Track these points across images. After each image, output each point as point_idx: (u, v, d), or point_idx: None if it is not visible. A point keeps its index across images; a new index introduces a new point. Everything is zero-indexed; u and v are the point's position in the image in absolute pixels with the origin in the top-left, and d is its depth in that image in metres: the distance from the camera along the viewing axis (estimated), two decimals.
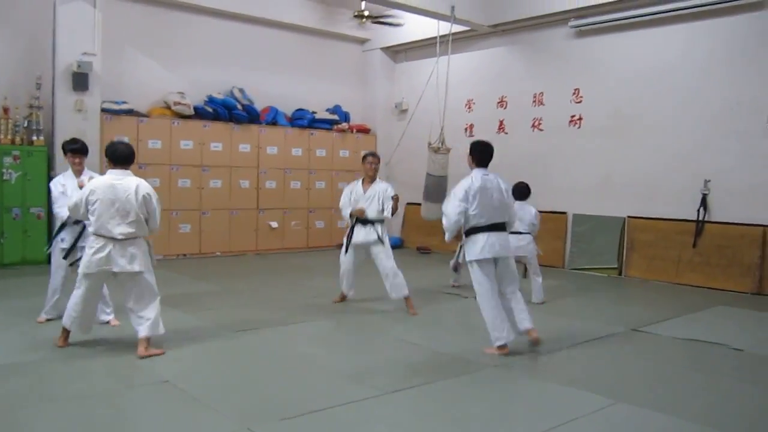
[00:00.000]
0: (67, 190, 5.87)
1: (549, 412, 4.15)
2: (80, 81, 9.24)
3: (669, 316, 6.99)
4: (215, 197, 10.87)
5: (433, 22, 10.90)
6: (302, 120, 12.07)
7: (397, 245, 12.73)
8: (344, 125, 12.66)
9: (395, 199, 6.85)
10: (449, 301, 7.67)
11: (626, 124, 9.82)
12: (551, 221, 10.17)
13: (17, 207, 9.12)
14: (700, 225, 8.99)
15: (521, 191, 7.58)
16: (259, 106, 11.61)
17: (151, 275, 5.17)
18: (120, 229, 4.94)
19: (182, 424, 3.82)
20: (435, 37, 10.84)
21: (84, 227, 5.69)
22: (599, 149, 10.13)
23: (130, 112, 10.07)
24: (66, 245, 5.86)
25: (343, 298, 7.27)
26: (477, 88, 11.92)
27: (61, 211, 5.74)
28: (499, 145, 11.17)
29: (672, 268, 9.26)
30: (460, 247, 7.41)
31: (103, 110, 9.72)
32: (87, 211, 4.98)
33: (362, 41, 13.42)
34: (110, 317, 5.97)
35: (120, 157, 5.09)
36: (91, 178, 5.70)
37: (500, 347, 5.34)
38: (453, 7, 10.28)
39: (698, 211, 8.98)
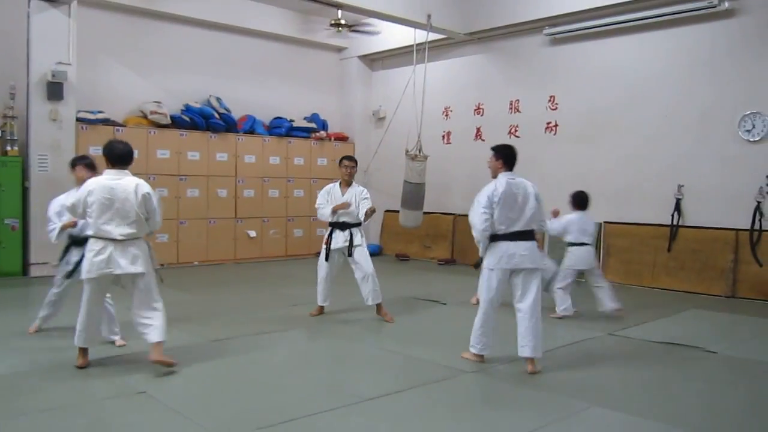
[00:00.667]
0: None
1: (525, 416, 4.18)
2: (55, 90, 9.17)
3: (645, 320, 7.07)
4: (193, 206, 10.82)
5: (410, 30, 11.00)
6: (280, 128, 12.06)
7: (375, 252, 12.74)
8: (322, 133, 12.67)
9: (370, 210, 6.76)
10: (426, 309, 7.70)
11: (601, 130, 9.94)
12: None
13: None
14: (674, 229, 9.12)
15: (582, 200, 7.36)
16: (236, 114, 11.59)
17: (153, 278, 4.98)
18: (120, 230, 4.76)
19: None
20: (412, 45, 10.95)
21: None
22: (575, 156, 10.24)
23: (106, 122, 10.00)
24: (71, 267, 5.65)
25: (320, 311, 7.08)
26: (454, 95, 12.00)
27: (53, 234, 5.61)
28: (477, 152, 11.36)
29: (648, 272, 9.37)
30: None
31: (79, 120, 9.64)
32: (85, 212, 4.82)
33: (339, 49, 13.46)
34: (116, 337, 5.62)
35: (118, 156, 4.91)
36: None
37: (476, 355, 5.33)
38: (429, 16, 10.39)
39: (672, 215, 9.10)
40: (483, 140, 11.49)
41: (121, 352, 5.42)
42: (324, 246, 6.97)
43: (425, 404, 4.39)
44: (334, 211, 6.84)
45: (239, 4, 11.56)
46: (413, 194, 10.54)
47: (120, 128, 10.11)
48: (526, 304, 5.15)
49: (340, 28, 11.71)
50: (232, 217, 11.33)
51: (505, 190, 5.15)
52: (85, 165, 5.78)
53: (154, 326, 4.89)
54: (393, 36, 12.18)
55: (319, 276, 7.03)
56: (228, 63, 11.78)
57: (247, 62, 12.05)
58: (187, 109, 10.96)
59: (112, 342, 5.58)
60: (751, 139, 8.49)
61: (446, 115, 12.17)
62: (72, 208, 4.92)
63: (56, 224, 5.60)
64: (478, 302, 5.93)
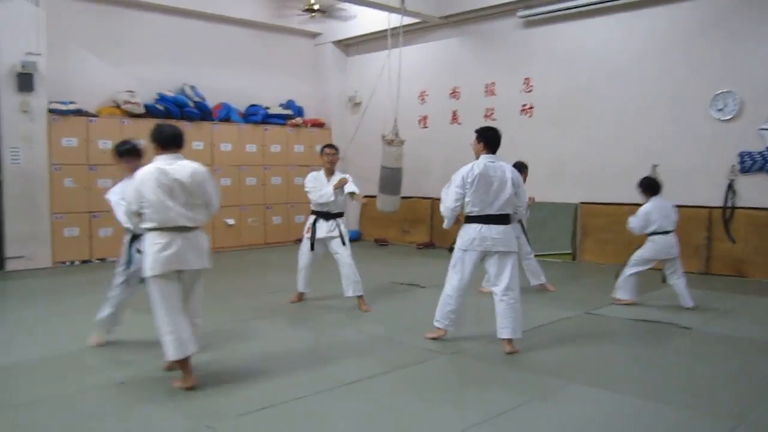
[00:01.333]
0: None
1: (503, 396, 4.25)
2: (25, 82, 9.03)
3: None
4: None
5: (384, 14, 10.94)
6: (256, 116, 11.99)
7: (354, 238, 12.75)
8: (298, 120, 12.62)
9: (341, 182, 6.71)
10: (406, 292, 7.74)
11: (575, 111, 10.01)
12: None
13: None
14: None
15: (655, 185, 6.96)
16: (211, 102, 11.49)
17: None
18: (185, 219, 4.34)
19: (140, 424, 3.80)
20: (386, 30, 10.89)
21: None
22: (550, 137, 10.31)
23: (78, 113, 9.86)
24: (134, 267, 5.13)
25: (300, 297, 7.08)
26: (429, 79, 12.00)
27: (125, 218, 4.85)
28: (453, 135, 11.39)
29: (624, 251, 9.38)
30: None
31: (50, 111, 9.50)
32: (141, 205, 4.29)
33: (313, 35, 13.38)
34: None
35: (168, 138, 4.50)
36: None
37: (438, 329, 5.45)
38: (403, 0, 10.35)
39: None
40: (459, 124, 11.52)
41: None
42: (306, 235, 6.89)
43: (405, 386, 4.44)
44: (335, 189, 6.69)
45: None
46: (390, 179, 10.56)
47: (93, 119, 9.99)
48: (501, 287, 5.20)
49: (313, 14, 11.65)
50: None
51: (482, 172, 5.16)
52: (129, 152, 5.29)
53: (197, 339, 4.48)
54: (367, 21, 12.12)
55: (300, 263, 6.98)
56: (201, 51, 11.66)
57: (220, 50, 11.93)
58: (161, 98, 10.84)
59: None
60: (723, 118, 8.61)
61: (422, 100, 12.17)
62: (128, 208, 4.39)
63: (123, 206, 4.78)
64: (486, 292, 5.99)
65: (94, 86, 10.36)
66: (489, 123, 11.02)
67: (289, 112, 12.54)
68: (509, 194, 5.23)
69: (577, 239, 10.03)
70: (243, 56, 12.27)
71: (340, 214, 6.88)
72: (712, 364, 4.98)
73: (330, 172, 6.92)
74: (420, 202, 11.98)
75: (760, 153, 8.34)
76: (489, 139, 5.37)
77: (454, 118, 11.64)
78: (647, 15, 9.27)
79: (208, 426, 3.73)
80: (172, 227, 4.30)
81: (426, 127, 12.12)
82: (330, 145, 7.15)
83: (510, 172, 5.28)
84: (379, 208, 10.89)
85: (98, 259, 9.95)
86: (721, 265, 8.66)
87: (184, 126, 10.85)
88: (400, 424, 3.79)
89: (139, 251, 4.92)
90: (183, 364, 4.32)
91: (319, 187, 6.78)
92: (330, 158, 6.92)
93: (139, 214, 4.34)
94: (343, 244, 6.77)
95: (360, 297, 6.77)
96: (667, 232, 6.77)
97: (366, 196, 12.51)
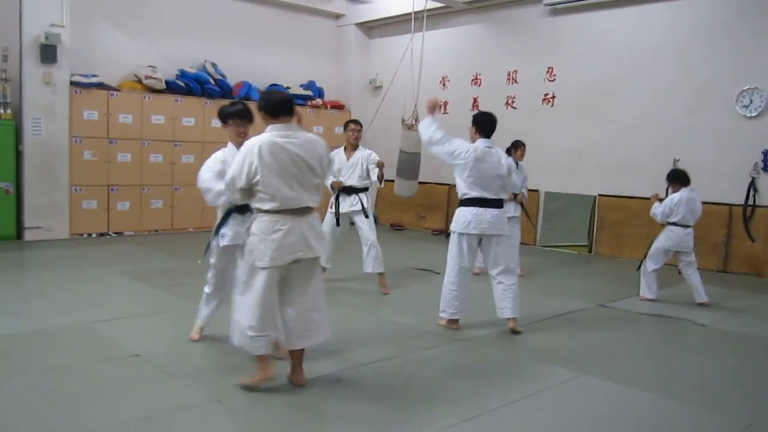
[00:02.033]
0: (227, 169, 4.22)
1: (517, 384, 4.24)
2: (48, 53, 9.07)
3: (636, 293, 7.11)
4: (187, 172, 10.73)
5: None
6: None
7: None
8: (318, 101, 12.59)
9: (380, 165, 6.75)
10: (420, 278, 7.74)
11: (598, 103, 9.90)
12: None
13: None
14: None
15: (686, 176, 6.85)
16: (232, 81, 11.48)
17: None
18: (307, 201, 3.86)
19: (152, 396, 3.83)
20: (410, 13, 10.78)
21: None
22: (571, 128, 10.21)
23: (100, 86, 9.89)
24: (228, 241, 4.57)
25: (322, 271, 7.07)
26: (451, 65, 11.91)
27: (217, 201, 4.45)
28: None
29: (640, 245, 9.36)
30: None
31: (72, 83, 9.54)
32: (252, 183, 3.76)
33: (337, 16, 13.31)
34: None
35: (280, 105, 3.88)
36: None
37: (449, 321, 5.44)
38: None
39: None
40: (480, 110, 11.41)
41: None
42: (330, 210, 6.85)
43: (417, 371, 4.44)
44: (332, 188, 6.73)
45: None
46: (408, 164, 10.46)
47: (114, 92, 10.02)
48: (497, 270, 5.35)
49: None
50: None
51: (478, 155, 5.25)
52: (240, 114, 4.60)
53: (321, 328, 4.05)
54: (391, 3, 12.04)
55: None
56: (224, 29, 11.64)
57: (243, 28, 11.90)
58: (183, 74, 10.86)
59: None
60: (748, 115, 8.48)
61: (443, 85, 12.10)
62: (231, 183, 3.85)
63: (216, 187, 4.36)
64: (479, 272, 6.00)
65: (117, 60, 10.39)
66: (509, 111, 10.97)
67: (309, 93, 12.51)
68: (504, 179, 5.37)
69: (594, 231, 9.95)
70: (265, 35, 12.23)
71: (363, 189, 6.86)
72: (726, 362, 4.94)
73: (353, 147, 6.93)
74: (437, 188, 11.94)
75: None
76: (484, 124, 5.46)
77: (475, 104, 11.56)
78: (675, 6, 9.12)
79: (218, 401, 3.75)
80: (295, 208, 3.81)
81: (446, 113, 12.04)
82: (355, 121, 7.14)
83: (505, 159, 5.40)
84: (396, 192, 10.80)
85: (115, 233, 10.02)
86: (740, 263, 8.57)
87: (205, 103, 10.94)
88: (406, 409, 3.80)
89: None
90: (260, 357, 3.93)
91: (336, 163, 6.77)
92: (354, 134, 6.93)
93: (246, 191, 3.83)
94: (366, 217, 6.76)
95: (381, 274, 6.77)
96: (687, 226, 6.70)
97: (385, 180, 12.48)
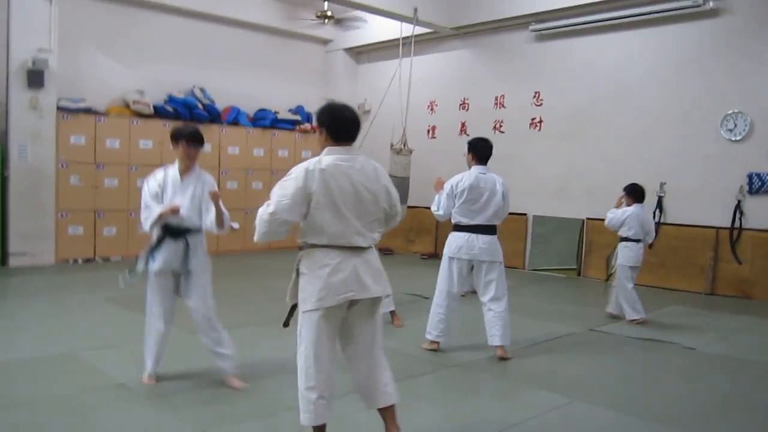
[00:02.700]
0: (165, 192, 4.41)
1: (507, 411, 4.21)
2: (35, 78, 9.04)
3: (625, 317, 7.11)
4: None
5: (396, 23, 10.95)
6: (264, 120, 12.00)
7: None
8: (307, 126, 12.61)
9: None
10: (409, 303, 7.70)
11: (585, 127, 9.97)
12: (512, 222, 10.26)
13: None
14: (655, 227, 9.16)
15: (641, 192, 7.05)
16: (220, 105, 11.50)
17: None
18: (360, 238, 3.29)
19: (138, 427, 3.77)
20: (398, 39, 10.89)
21: (188, 246, 4.42)
22: (559, 151, 10.27)
23: (87, 111, 9.86)
24: (158, 267, 4.37)
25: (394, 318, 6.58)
26: (439, 90, 11.99)
27: (145, 224, 4.37)
28: (461, 147, 11.29)
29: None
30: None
31: (60, 108, 9.50)
32: (308, 214, 3.23)
33: (325, 42, 13.40)
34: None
35: (347, 127, 3.36)
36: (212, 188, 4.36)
37: (432, 342, 5.47)
38: (416, 9, 10.34)
39: (654, 213, 9.16)
40: (468, 135, 11.48)
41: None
42: None
43: (406, 398, 4.39)
44: None
45: None
46: (398, 188, 10.45)
47: (102, 117, 10.00)
48: (488, 296, 5.35)
49: (326, 20, 11.66)
50: None
51: (472, 183, 5.28)
52: (192, 137, 4.51)
53: (393, 386, 3.46)
54: (379, 29, 12.14)
55: None
56: (212, 53, 11.68)
57: (231, 53, 11.96)
58: (171, 99, 10.86)
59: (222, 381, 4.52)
60: (733, 139, 8.57)
61: (431, 110, 12.16)
62: (278, 215, 3.24)
63: (154, 210, 4.35)
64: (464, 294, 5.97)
65: (104, 85, 10.38)
66: (497, 135, 11.02)
67: (297, 117, 12.54)
68: (498, 206, 5.34)
69: (582, 255, 9.97)
70: (254, 60, 12.29)
71: None
72: (715, 386, 4.93)
73: None
74: (426, 213, 11.92)
75: None
76: (479, 150, 5.49)
77: (463, 129, 11.63)
78: (659, 33, 9.25)
79: (204, 431, 3.69)
80: (344, 246, 3.28)
81: (434, 138, 12.11)
82: None
83: (500, 185, 5.38)
84: None
85: (102, 258, 9.93)
86: (727, 285, 8.60)
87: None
88: None
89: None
90: (317, 428, 3.33)
91: None
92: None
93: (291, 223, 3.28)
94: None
95: (392, 312, 6.48)
96: (639, 241, 6.89)
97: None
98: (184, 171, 4.48)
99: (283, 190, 3.23)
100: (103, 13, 10.44)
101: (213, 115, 11.24)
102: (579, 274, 9.94)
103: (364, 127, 13.23)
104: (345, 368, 3.46)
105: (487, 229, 5.33)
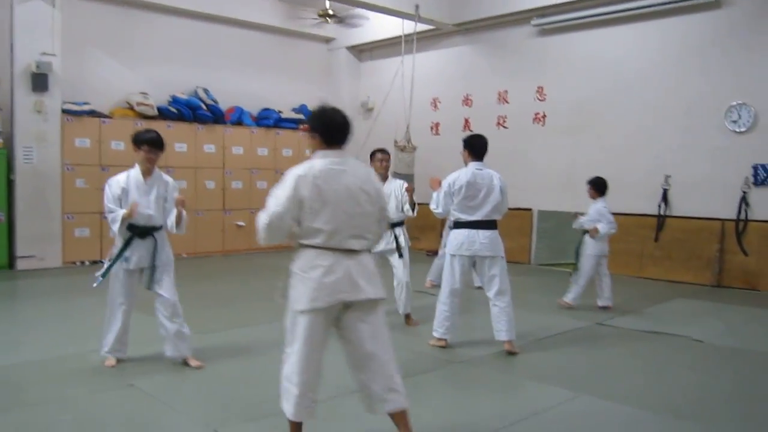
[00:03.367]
0: (129, 194, 4.76)
1: (515, 405, 4.22)
2: (39, 82, 9.08)
3: (632, 310, 7.12)
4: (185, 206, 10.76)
5: (398, 21, 10.97)
6: (268, 120, 12.02)
7: None
8: None
9: (409, 191, 6.27)
10: (415, 299, 7.70)
11: (589, 121, 9.96)
12: (517, 218, 10.27)
13: None
14: (661, 219, 9.18)
15: (606, 185, 7.36)
16: (223, 106, 11.53)
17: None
18: (354, 241, 3.31)
19: (148, 427, 3.79)
20: (400, 36, 10.92)
21: (156, 243, 4.82)
22: (563, 146, 10.26)
23: (91, 113, 9.91)
24: (132, 266, 4.78)
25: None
26: (442, 86, 11.99)
27: (113, 226, 4.71)
28: None
29: (635, 262, 9.43)
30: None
31: (64, 111, 9.55)
32: (302, 216, 3.26)
33: (327, 40, 13.41)
34: (189, 354, 4.91)
35: (339, 131, 3.39)
36: (174, 188, 4.87)
37: (439, 339, 5.49)
38: (417, 6, 10.36)
39: (659, 205, 9.16)
40: (471, 131, 11.48)
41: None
42: None
43: (413, 395, 4.40)
44: None
45: None
46: None
47: (106, 120, 10.04)
48: (493, 291, 5.37)
49: (328, 19, 11.67)
50: (220, 209, 11.29)
51: (469, 180, 5.29)
52: (152, 142, 4.88)
53: (399, 392, 3.40)
54: (381, 27, 12.14)
55: None
56: (215, 54, 11.71)
57: (234, 53, 11.98)
58: (174, 100, 10.89)
59: (185, 362, 4.89)
60: (737, 130, 8.55)
61: (435, 106, 12.16)
62: (279, 218, 3.28)
63: (118, 211, 4.69)
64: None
65: (108, 87, 10.43)
66: (501, 131, 11.02)
67: (301, 116, 12.55)
68: (497, 201, 5.35)
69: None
70: (256, 60, 12.31)
71: (399, 224, 6.41)
72: (723, 377, 4.93)
73: (383, 178, 6.30)
74: (430, 210, 11.93)
75: None
76: (474, 147, 5.49)
77: (467, 125, 11.63)
78: (662, 25, 9.23)
79: (216, 431, 3.71)
80: (337, 248, 3.30)
81: (438, 134, 12.11)
82: (382, 150, 6.47)
83: (498, 180, 5.39)
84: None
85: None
86: (733, 277, 8.59)
87: (197, 128, 10.95)
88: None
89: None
90: (294, 426, 3.39)
91: None
92: (383, 164, 6.34)
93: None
94: (400, 256, 6.27)
95: (407, 315, 6.42)
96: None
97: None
98: (146, 173, 4.90)
99: (276, 198, 3.29)
100: (105, 15, 10.48)
101: (217, 116, 11.27)
102: None
103: (368, 124, 13.41)
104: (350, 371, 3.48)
105: (487, 225, 5.33)
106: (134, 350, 5.18)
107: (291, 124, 12.33)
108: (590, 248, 7.19)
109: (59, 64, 9.28)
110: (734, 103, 8.55)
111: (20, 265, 9.10)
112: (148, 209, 4.79)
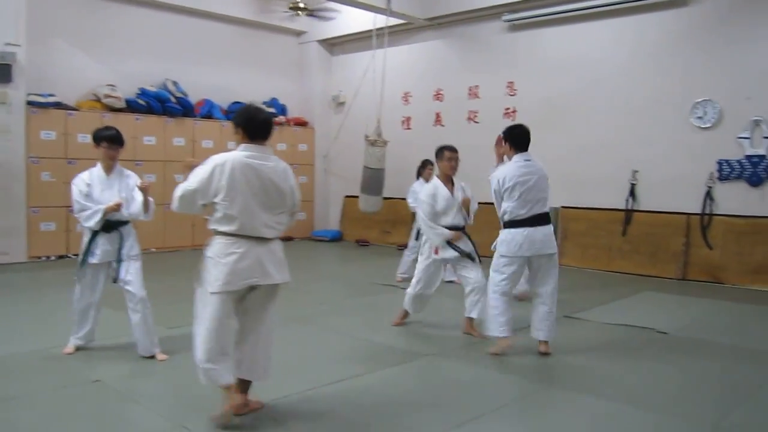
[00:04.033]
0: (93, 190, 4.86)
1: (481, 398, 4.25)
2: (3, 72, 8.90)
3: (600, 303, 7.22)
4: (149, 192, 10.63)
5: (370, 14, 10.97)
6: None
7: (336, 238, 12.76)
8: (281, 118, 12.56)
9: (465, 202, 5.74)
10: (386, 293, 7.72)
11: (558, 116, 10.04)
12: (488, 213, 10.29)
13: None
14: (629, 214, 9.31)
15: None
16: (193, 99, 11.41)
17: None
18: (267, 229, 3.64)
19: (115, 424, 3.75)
20: (371, 30, 10.90)
21: (122, 236, 4.89)
22: (533, 141, 10.23)
23: (57, 105, 9.73)
24: (97, 260, 4.84)
25: (405, 315, 6.08)
26: (413, 81, 11.99)
27: (88, 222, 4.79)
28: (436, 137, 11.36)
29: (604, 256, 9.55)
30: None
31: (29, 103, 9.37)
32: (213, 200, 3.60)
33: (298, 33, 13.34)
34: (157, 350, 4.94)
35: (260, 127, 3.71)
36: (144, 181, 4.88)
37: (500, 338, 5.09)
38: (389, 0, 10.34)
39: (627, 200, 9.29)
40: (443, 125, 11.53)
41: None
42: (435, 256, 5.70)
43: (384, 388, 4.42)
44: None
45: None
46: (373, 179, 10.55)
47: (72, 112, 9.87)
48: (546, 290, 5.10)
49: (299, 12, 11.61)
50: None
51: (518, 175, 5.00)
52: (113, 139, 4.95)
53: (266, 367, 3.84)
54: (353, 20, 12.11)
55: (419, 286, 5.82)
56: (185, 46, 11.57)
57: (204, 46, 11.85)
58: (143, 92, 10.75)
59: (152, 356, 4.91)
60: (703, 126, 8.70)
61: (406, 101, 12.17)
62: (190, 196, 3.65)
63: (95, 207, 4.78)
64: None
65: (75, 79, 10.25)
66: (471, 126, 11.07)
67: (272, 110, 12.47)
68: (546, 192, 5.11)
69: (558, 243, 10.05)
70: (227, 53, 12.20)
71: (463, 228, 5.86)
72: (689, 369, 5.02)
73: (450, 181, 5.78)
74: (402, 204, 11.88)
75: (738, 161, 8.43)
76: (517, 137, 5.22)
77: (438, 119, 11.65)
78: (630, 22, 9.35)
79: (182, 426, 3.68)
80: (250, 236, 3.60)
81: (409, 129, 12.12)
82: (450, 147, 5.85)
83: (545, 171, 5.18)
84: (361, 208, 10.88)
85: (75, 255, 9.79)
86: (699, 271, 8.74)
87: (166, 121, 10.83)
88: (379, 424, 3.78)
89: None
90: (225, 387, 3.69)
91: (435, 212, 5.66)
92: (452, 163, 5.74)
93: (205, 206, 3.66)
94: (472, 260, 5.72)
95: (472, 319, 5.75)
96: None
97: (347, 196, 12.55)
98: (108, 170, 4.96)
99: (194, 176, 3.64)
100: (72, 5, 10.29)
101: (186, 109, 11.15)
102: None
103: (339, 118, 13.35)
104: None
105: (544, 219, 5.06)
106: (101, 345, 5.13)
107: None
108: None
109: (24, 54, 9.11)
110: (699, 99, 8.69)
111: None
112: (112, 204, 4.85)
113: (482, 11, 10.71)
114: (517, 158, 5.13)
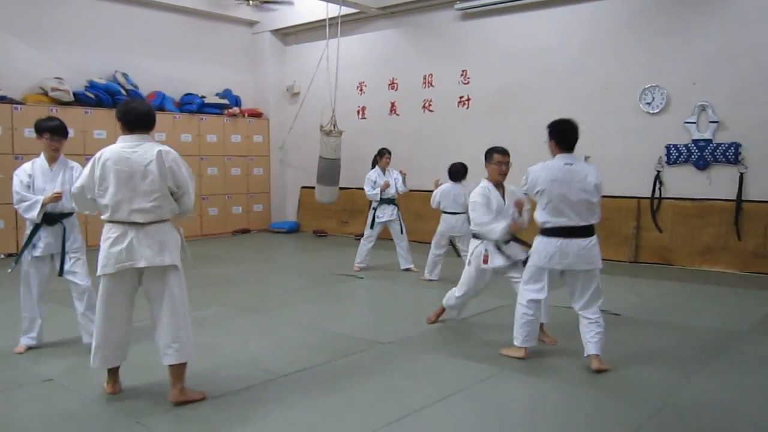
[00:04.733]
0: (35, 181, 4.85)
1: (442, 383, 4.31)
2: None
3: (554, 287, 7.32)
4: None
5: (323, 4, 10.90)
6: (191, 105, 11.76)
7: (293, 229, 12.71)
8: (235, 110, 12.43)
9: (518, 204, 5.12)
10: (343, 283, 7.74)
11: (511, 103, 10.16)
12: None
13: None
14: None
15: (453, 173, 7.74)
16: (144, 91, 11.20)
17: (182, 276, 3.96)
18: (138, 215, 3.76)
19: (68, 422, 3.69)
20: (324, 20, 10.84)
21: (65, 229, 4.89)
22: (487, 129, 10.42)
23: (2, 99, 9.46)
24: (40, 252, 4.83)
25: (440, 312, 5.88)
26: (368, 70, 11.97)
27: (28, 213, 4.78)
28: (391, 126, 11.44)
29: None
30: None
31: None
32: (96, 194, 3.80)
33: (251, 23, 13.19)
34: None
35: (137, 118, 3.89)
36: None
37: (516, 348, 4.77)
38: None
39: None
40: (398, 115, 11.56)
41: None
42: (484, 266, 5.30)
43: (344, 377, 4.44)
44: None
45: None
46: (329, 170, 10.55)
47: (18, 106, 9.61)
48: (580, 303, 4.63)
49: (250, 2, 11.48)
50: None
51: (555, 178, 4.45)
52: (54, 130, 4.90)
53: (176, 344, 3.87)
54: (306, 10, 12.02)
55: (467, 289, 5.45)
56: (135, 37, 11.34)
57: (155, 37, 11.63)
58: (92, 85, 10.52)
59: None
60: (651, 111, 8.90)
61: (361, 90, 12.15)
62: (80, 194, 3.86)
63: (34, 198, 4.79)
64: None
65: (20, 72, 9.96)
66: (427, 114, 11.11)
67: (225, 101, 12.35)
68: (591, 201, 4.50)
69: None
70: (178, 44, 12.00)
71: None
72: (639, 348, 5.15)
73: (500, 185, 5.36)
74: (358, 193, 11.94)
75: (685, 145, 8.65)
76: (563, 134, 4.61)
77: (393, 109, 11.67)
78: (578, 9, 9.49)
79: (137, 422, 3.65)
80: (124, 221, 3.78)
81: (364, 118, 12.11)
82: (500, 150, 5.42)
83: (594, 176, 4.53)
84: (317, 199, 10.87)
85: None
86: (649, 253, 8.97)
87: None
88: (336, 413, 3.80)
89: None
90: (111, 371, 4.02)
91: (492, 216, 5.21)
92: (502, 167, 5.30)
93: (94, 200, 3.84)
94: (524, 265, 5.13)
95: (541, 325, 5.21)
96: (454, 213, 7.55)
97: (303, 187, 12.49)
98: (51, 161, 4.95)
99: (81, 175, 3.90)
100: None
101: None
102: None
103: (294, 109, 13.20)
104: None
105: (583, 231, 4.50)
106: (51, 341, 5.04)
107: (215, 109, 12.11)
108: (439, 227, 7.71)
109: None
110: (648, 85, 8.88)
111: None
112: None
113: (435, 0, 10.74)
114: (559, 159, 4.54)
